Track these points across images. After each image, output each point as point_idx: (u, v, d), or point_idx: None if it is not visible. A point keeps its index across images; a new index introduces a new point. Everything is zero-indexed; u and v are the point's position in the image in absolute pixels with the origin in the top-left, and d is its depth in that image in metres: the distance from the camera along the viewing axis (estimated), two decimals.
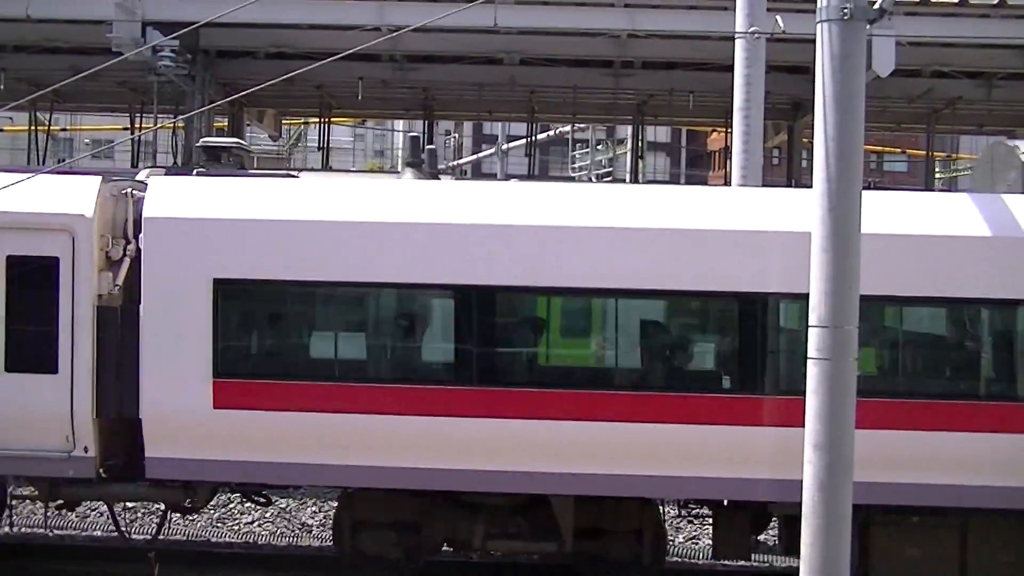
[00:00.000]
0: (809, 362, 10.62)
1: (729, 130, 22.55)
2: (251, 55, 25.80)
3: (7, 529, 17.82)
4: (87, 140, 58.48)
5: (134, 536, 18.19)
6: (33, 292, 14.57)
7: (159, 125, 29.13)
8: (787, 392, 14.01)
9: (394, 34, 18.95)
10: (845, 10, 10.38)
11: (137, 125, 31.25)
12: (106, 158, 51.92)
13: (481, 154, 52.54)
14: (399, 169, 22.70)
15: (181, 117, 26.02)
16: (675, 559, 18.27)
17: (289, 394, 14.43)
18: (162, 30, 22.22)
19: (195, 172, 15.39)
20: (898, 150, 55.42)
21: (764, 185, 19.24)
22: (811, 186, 10.74)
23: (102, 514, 19.11)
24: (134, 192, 14.99)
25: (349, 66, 23.32)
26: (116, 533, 16.47)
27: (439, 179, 16.26)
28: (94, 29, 23.02)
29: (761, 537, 16.36)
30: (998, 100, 28.29)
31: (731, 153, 18.95)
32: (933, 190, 36.62)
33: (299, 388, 14.44)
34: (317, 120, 35.57)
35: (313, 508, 20.24)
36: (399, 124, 52.71)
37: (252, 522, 19.88)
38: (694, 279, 14.34)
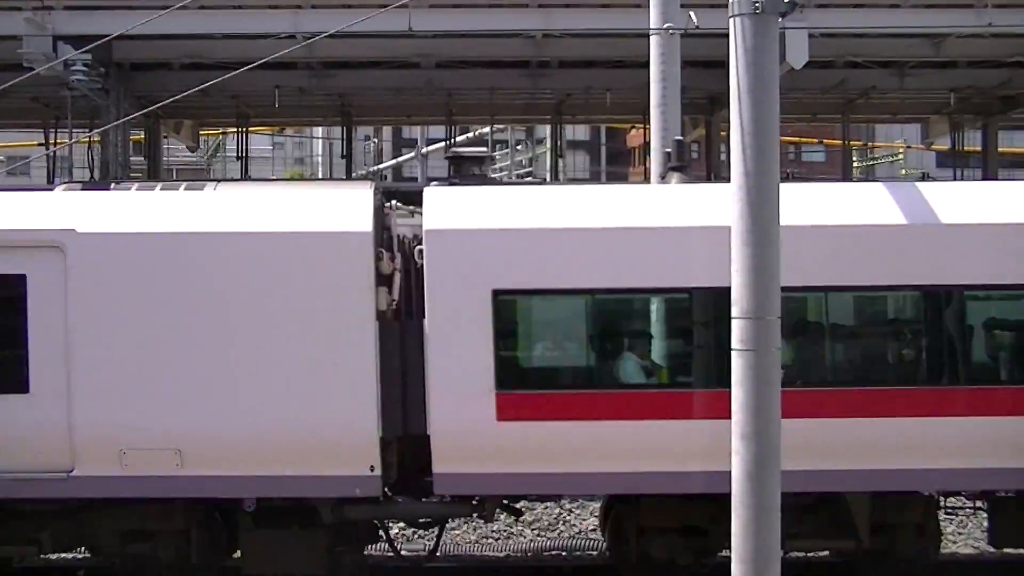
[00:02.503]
0: (733, 354, 10.70)
1: (648, 126, 22.69)
2: (166, 67, 25.62)
3: None
4: (1, 157, 57.74)
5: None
6: None
7: (74, 140, 28.85)
8: None
9: (309, 41, 18.88)
10: (757, 4, 10.46)
11: (52, 140, 30.92)
12: (22, 174, 51.27)
13: (401, 158, 52.46)
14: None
15: (96, 131, 25.83)
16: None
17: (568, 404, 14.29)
18: (74, 44, 22.02)
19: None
20: (815, 140, 55.96)
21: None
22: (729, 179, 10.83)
23: None
24: (396, 204, 14.82)
25: (265, 75, 23.25)
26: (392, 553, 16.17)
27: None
28: (4, 45, 22.76)
29: None
30: (910, 88, 28.70)
31: (650, 149, 19.04)
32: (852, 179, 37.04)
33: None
34: (235, 130, 35.39)
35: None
36: (318, 131, 52.50)
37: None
38: None
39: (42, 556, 15.68)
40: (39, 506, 14.71)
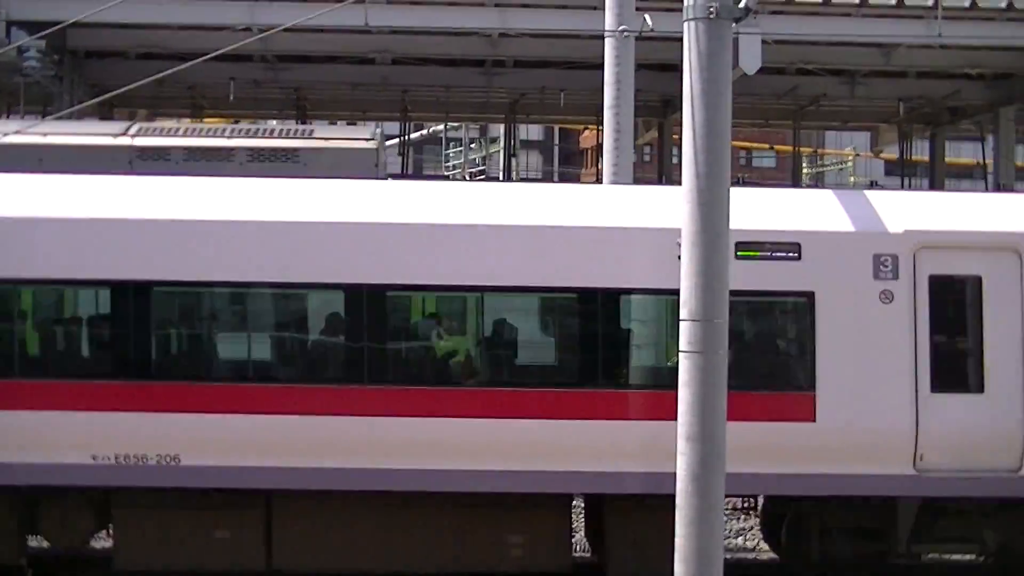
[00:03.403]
0: (681, 355, 10.71)
1: (601, 127, 22.85)
2: (121, 56, 25.55)
3: None
4: None
5: None
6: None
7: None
8: None
9: (265, 34, 18.90)
10: (711, 9, 10.55)
11: None
12: None
13: None
14: None
15: (49, 119, 25.65)
16: None
17: None
18: (28, 30, 21.94)
19: None
20: (766, 146, 56.34)
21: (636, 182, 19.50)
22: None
23: None
24: None
25: (220, 67, 23.20)
26: None
27: None
28: None
29: None
30: (860, 97, 29.00)
31: (603, 151, 19.18)
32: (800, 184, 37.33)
33: None
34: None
35: None
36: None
37: None
38: None
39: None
40: (979, 505, 14.77)
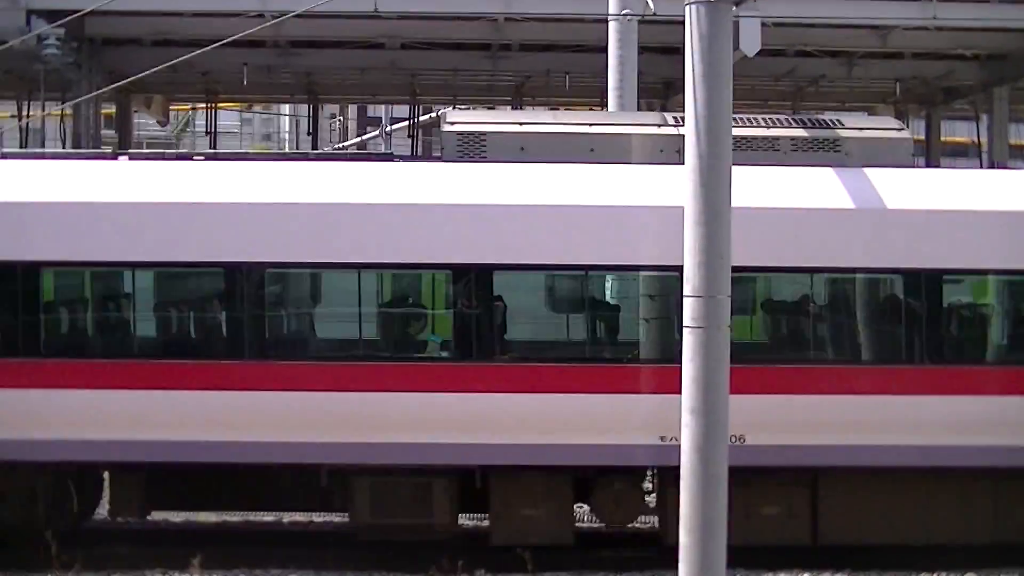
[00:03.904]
0: (685, 330, 10.89)
1: (604, 109, 23.19)
2: (137, 43, 25.90)
3: None
4: None
5: None
6: None
7: (46, 112, 29.08)
8: None
9: (277, 20, 19.23)
10: None
11: (24, 112, 31.09)
12: None
13: (365, 136, 52.75)
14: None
15: (68, 104, 26.09)
16: None
17: None
18: (47, 18, 22.26)
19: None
20: None
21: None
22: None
23: None
24: None
25: (233, 52, 23.55)
26: None
27: None
28: None
29: None
30: (858, 78, 29.34)
31: None
32: None
33: None
34: (204, 106, 35.61)
35: None
36: (285, 108, 52.86)
37: None
38: None
39: None
40: None
